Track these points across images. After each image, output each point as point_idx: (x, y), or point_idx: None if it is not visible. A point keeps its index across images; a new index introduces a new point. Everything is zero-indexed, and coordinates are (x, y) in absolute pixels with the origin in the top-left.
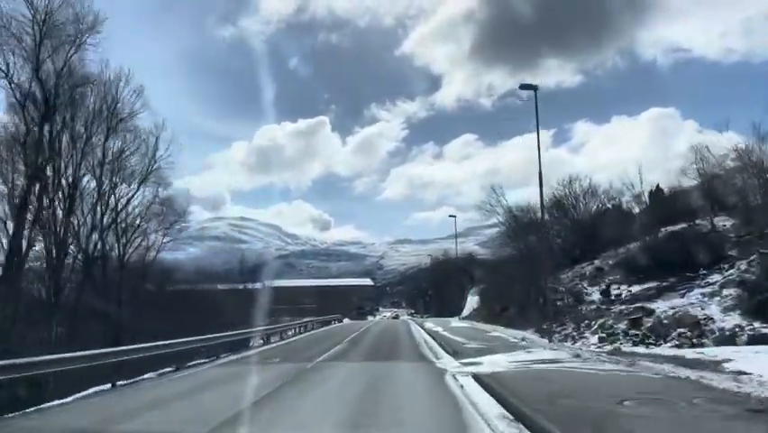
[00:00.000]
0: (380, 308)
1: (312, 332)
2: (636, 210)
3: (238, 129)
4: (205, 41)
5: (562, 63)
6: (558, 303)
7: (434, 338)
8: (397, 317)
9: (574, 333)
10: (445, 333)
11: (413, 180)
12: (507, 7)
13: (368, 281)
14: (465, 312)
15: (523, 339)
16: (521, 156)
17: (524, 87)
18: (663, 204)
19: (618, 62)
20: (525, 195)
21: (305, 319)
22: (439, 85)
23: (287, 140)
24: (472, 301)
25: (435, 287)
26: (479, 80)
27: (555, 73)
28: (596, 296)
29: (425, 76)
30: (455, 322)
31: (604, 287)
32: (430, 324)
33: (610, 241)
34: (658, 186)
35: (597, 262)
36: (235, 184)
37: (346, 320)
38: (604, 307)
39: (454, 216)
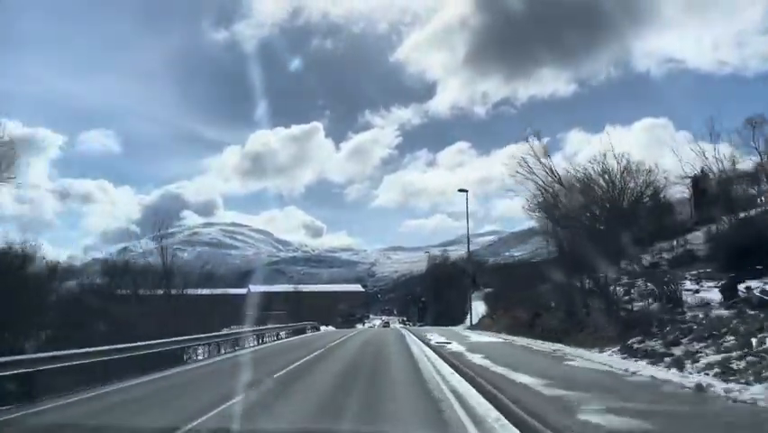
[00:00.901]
0: (371, 316)
1: (268, 344)
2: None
3: (231, 134)
4: (199, 45)
5: (557, 72)
6: (631, 308)
7: (459, 372)
8: (387, 324)
9: (734, 364)
10: (476, 357)
11: (406, 188)
12: (501, 15)
13: (358, 287)
14: (473, 320)
15: (690, 386)
16: (514, 165)
17: None
18: (720, 189)
19: (612, 72)
20: (517, 206)
21: (247, 329)
22: (433, 92)
23: (280, 145)
24: (478, 307)
25: (432, 292)
26: (473, 88)
27: (550, 82)
28: (694, 297)
29: (420, 83)
30: (472, 334)
31: (725, 282)
32: (436, 335)
33: (650, 233)
34: (702, 170)
35: (647, 257)
36: (228, 189)
37: (329, 328)
38: (756, 313)
39: (466, 191)
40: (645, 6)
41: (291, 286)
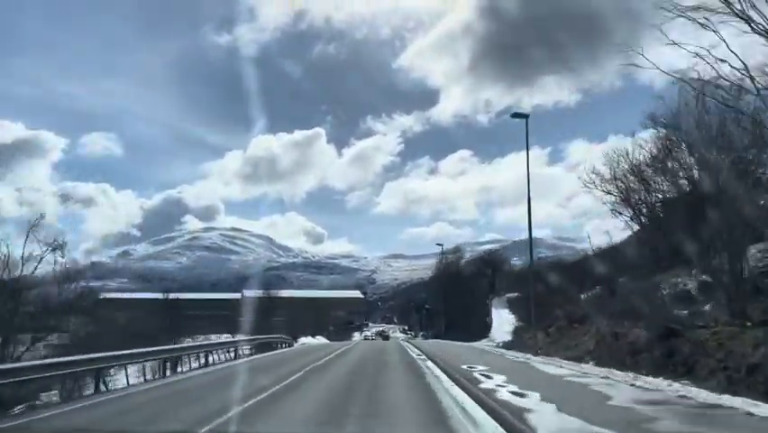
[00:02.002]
0: (370, 324)
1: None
2: None
3: (233, 138)
4: (201, 49)
5: (561, 81)
6: None
7: None
8: (386, 336)
9: None
10: None
11: (407, 195)
12: (505, 24)
13: (357, 294)
14: (500, 335)
15: None
16: (516, 174)
17: None
18: None
19: (615, 82)
20: (518, 214)
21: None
22: (436, 99)
23: (282, 150)
24: (503, 317)
25: (442, 298)
26: (476, 96)
27: (554, 91)
28: None
29: (422, 89)
30: (558, 371)
31: None
32: (495, 376)
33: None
34: None
35: None
36: (229, 194)
37: (316, 340)
38: None
39: (525, 117)
40: (649, 17)
41: (298, 292)
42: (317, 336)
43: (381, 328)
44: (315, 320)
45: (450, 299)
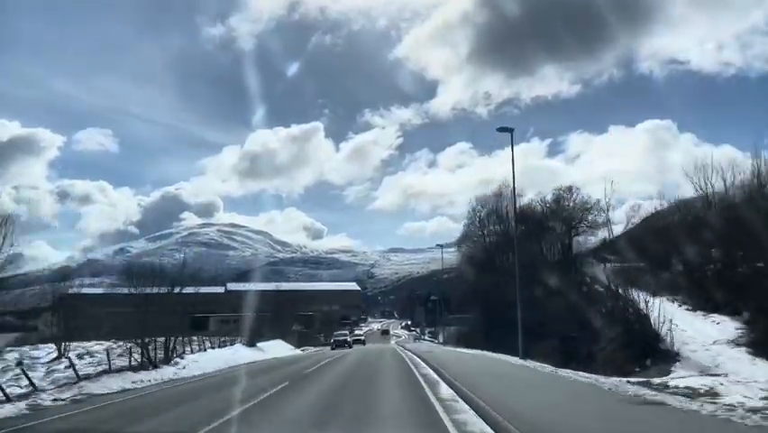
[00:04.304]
0: (369, 319)
1: None
2: None
3: (230, 134)
4: (196, 45)
5: (560, 72)
6: None
7: None
8: (386, 332)
9: None
10: None
11: (406, 189)
12: (504, 14)
13: (353, 286)
14: (713, 359)
15: None
16: (515, 167)
17: None
18: None
19: (615, 73)
20: (519, 206)
21: None
22: (434, 92)
23: (279, 145)
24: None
25: (477, 277)
26: (475, 87)
27: (552, 82)
28: None
29: (421, 82)
30: None
31: None
32: None
33: None
34: None
35: None
36: (227, 190)
37: (281, 348)
38: None
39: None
40: (649, 8)
41: (293, 284)
42: (260, 344)
43: (382, 325)
44: (278, 318)
45: (495, 276)
